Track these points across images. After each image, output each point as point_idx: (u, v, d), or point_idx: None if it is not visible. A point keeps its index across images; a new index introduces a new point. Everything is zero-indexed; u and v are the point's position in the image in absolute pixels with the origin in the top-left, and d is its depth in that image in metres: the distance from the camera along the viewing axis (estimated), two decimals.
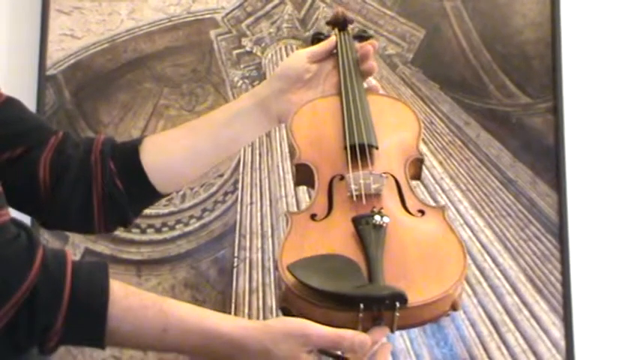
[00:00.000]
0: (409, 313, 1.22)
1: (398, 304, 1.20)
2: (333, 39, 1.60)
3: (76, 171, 1.46)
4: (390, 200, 1.37)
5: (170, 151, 1.52)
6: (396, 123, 1.52)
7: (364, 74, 1.57)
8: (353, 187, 1.37)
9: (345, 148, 1.43)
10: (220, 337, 1.20)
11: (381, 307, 1.20)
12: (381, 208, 1.33)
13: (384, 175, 1.38)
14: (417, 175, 1.48)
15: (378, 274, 1.24)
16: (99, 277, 1.19)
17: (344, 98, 1.51)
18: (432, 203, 1.43)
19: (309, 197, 1.44)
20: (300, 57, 1.57)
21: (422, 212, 1.37)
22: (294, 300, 1.25)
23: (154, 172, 1.50)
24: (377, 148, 1.43)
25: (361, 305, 1.19)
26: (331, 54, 1.60)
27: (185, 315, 1.21)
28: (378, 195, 1.36)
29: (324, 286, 1.21)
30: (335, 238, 1.31)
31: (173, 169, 1.52)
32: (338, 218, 1.35)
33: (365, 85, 1.57)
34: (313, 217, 1.36)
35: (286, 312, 1.28)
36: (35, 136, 1.47)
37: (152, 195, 1.52)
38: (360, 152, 1.42)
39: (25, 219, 2.03)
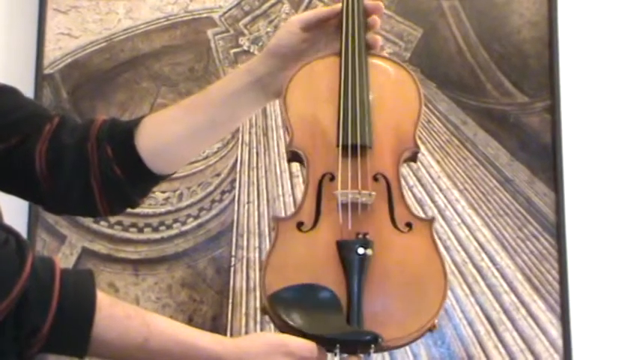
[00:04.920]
0: (385, 346, 1.30)
1: (373, 345, 1.27)
2: (337, 5, 1.49)
3: (72, 159, 1.45)
4: (378, 212, 1.38)
5: (166, 134, 1.49)
6: (396, 103, 1.47)
7: (369, 28, 1.47)
8: (340, 199, 1.37)
9: (338, 145, 1.40)
10: (198, 350, 1.22)
11: (356, 348, 1.27)
12: (366, 234, 1.35)
13: (373, 193, 1.38)
14: (412, 159, 1.46)
15: (356, 312, 1.30)
16: (86, 284, 1.19)
17: (343, 75, 1.44)
18: (422, 214, 1.41)
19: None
20: (292, 29, 1.48)
21: (409, 226, 1.38)
22: (274, 320, 1.32)
23: (150, 156, 1.47)
24: (371, 148, 1.41)
25: (337, 345, 1.26)
26: (332, 18, 1.49)
27: (166, 327, 1.23)
28: (366, 205, 1.37)
29: (302, 327, 1.27)
30: (319, 259, 1.35)
31: (169, 151, 1.49)
32: (324, 234, 1.37)
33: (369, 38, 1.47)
34: (300, 225, 1.38)
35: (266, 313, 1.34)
36: (29, 124, 1.45)
37: (151, 178, 1.50)
38: (353, 150, 1.40)
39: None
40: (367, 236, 1.35)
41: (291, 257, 1.36)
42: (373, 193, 1.38)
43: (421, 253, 1.37)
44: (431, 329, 1.34)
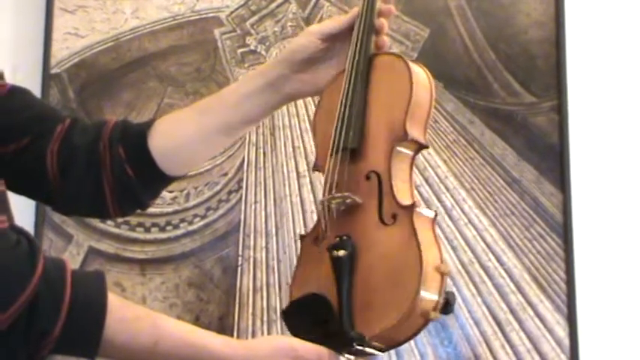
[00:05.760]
0: (379, 339, 1.30)
1: (357, 345, 1.29)
2: (354, 10, 1.49)
3: (84, 160, 1.45)
4: (364, 211, 1.38)
5: (179, 136, 1.50)
6: (388, 94, 1.44)
7: (378, 31, 1.48)
8: (319, 207, 1.41)
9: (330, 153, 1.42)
10: (209, 354, 1.22)
11: (350, 350, 1.30)
12: (345, 235, 1.36)
13: (346, 194, 1.37)
14: (422, 146, 1.42)
15: (346, 313, 1.31)
16: (97, 286, 1.19)
17: (344, 82, 1.45)
18: (406, 202, 1.37)
19: (313, 196, 1.46)
20: (311, 39, 1.50)
21: (394, 217, 1.35)
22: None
23: (163, 157, 1.48)
24: (357, 149, 1.40)
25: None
26: (349, 28, 1.50)
27: (176, 330, 1.23)
28: (355, 206, 1.37)
29: (300, 334, 1.31)
30: (322, 269, 1.37)
31: (182, 154, 1.50)
32: (324, 243, 1.39)
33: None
34: (316, 240, 1.41)
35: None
36: (41, 125, 1.46)
37: (163, 179, 1.50)
38: (343, 154, 1.40)
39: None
40: (346, 237, 1.35)
41: (307, 270, 1.41)
42: (347, 193, 1.37)
43: (399, 242, 1.33)
44: (427, 318, 1.30)
